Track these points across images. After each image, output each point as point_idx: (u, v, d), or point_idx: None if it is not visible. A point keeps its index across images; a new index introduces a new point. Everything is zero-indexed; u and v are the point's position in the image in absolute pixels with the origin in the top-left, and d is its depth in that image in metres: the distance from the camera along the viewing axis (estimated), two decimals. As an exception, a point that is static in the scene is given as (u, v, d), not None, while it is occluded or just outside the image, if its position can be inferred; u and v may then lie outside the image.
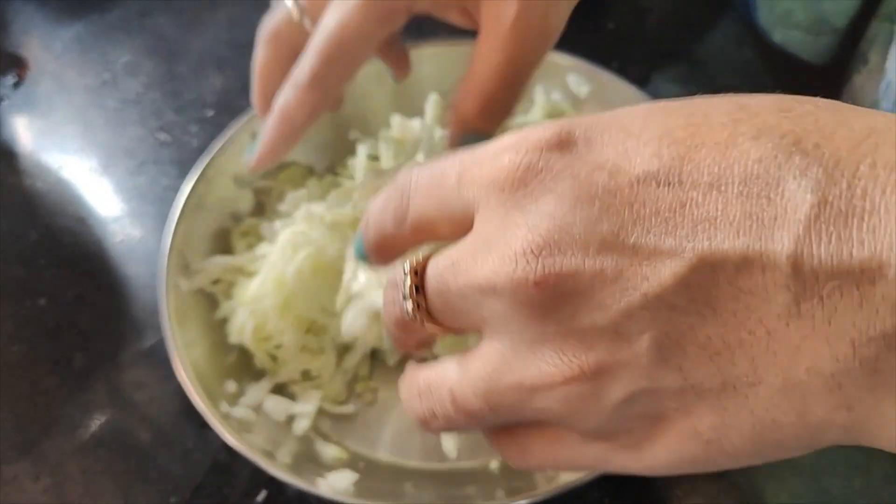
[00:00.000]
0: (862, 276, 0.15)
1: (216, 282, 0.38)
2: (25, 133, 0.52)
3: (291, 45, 0.35)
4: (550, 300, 0.18)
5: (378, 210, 0.24)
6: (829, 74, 0.51)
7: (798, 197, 0.16)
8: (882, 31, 0.46)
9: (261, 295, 0.36)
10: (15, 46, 0.56)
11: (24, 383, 0.40)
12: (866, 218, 0.15)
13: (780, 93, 0.18)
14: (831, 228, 0.15)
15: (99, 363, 0.41)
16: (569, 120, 0.19)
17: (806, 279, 0.16)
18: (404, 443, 0.36)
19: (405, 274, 0.22)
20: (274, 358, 0.37)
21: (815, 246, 0.15)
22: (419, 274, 0.22)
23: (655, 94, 0.49)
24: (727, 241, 0.16)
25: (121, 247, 0.46)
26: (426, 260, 0.22)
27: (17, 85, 0.54)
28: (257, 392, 0.36)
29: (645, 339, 0.17)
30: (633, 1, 0.54)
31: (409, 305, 0.22)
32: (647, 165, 0.17)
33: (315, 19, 0.34)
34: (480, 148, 0.21)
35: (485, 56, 0.31)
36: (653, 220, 0.17)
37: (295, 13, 0.35)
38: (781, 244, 0.16)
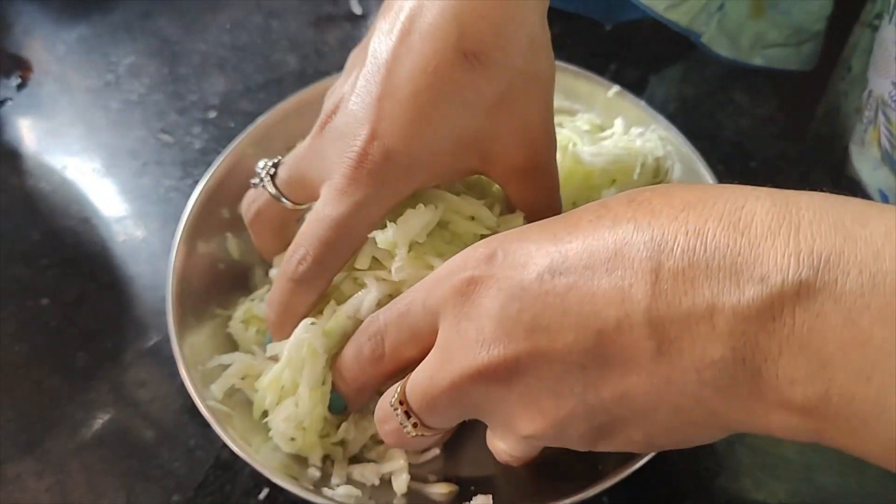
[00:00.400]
0: (691, 321, 0.21)
1: (244, 377, 0.36)
2: (29, 134, 0.52)
3: (274, 221, 0.37)
4: (508, 375, 0.25)
5: (350, 361, 0.31)
6: (810, 80, 0.51)
7: (641, 266, 0.22)
8: (864, 39, 0.46)
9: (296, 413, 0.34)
10: (18, 48, 0.57)
11: (27, 383, 0.41)
12: (686, 273, 0.21)
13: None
14: (666, 287, 0.22)
15: (101, 362, 0.41)
16: (492, 239, 0.27)
17: (659, 329, 0.22)
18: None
19: (393, 407, 0.28)
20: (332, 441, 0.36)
21: (658, 302, 0.22)
22: (404, 402, 0.28)
23: (652, 96, 0.50)
24: (605, 312, 0.23)
25: (123, 247, 0.46)
26: (404, 389, 0.28)
27: (20, 86, 0.54)
28: (342, 470, 0.34)
29: (576, 394, 0.24)
30: (632, 4, 0.54)
31: (409, 428, 0.28)
32: (542, 263, 0.24)
33: (292, 198, 0.35)
34: (435, 273, 0.28)
35: (528, 201, 0.34)
36: (554, 305, 0.23)
37: (274, 192, 0.35)
38: (638, 305, 0.22)
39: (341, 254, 0.32)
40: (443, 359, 0.26)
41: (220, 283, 0.40)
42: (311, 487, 0.33)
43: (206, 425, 0.33)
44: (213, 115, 0.52)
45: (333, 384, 0.33)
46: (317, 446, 0.34)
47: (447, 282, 0.26)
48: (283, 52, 0.55)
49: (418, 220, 0.32)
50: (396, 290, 0.32)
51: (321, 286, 0.33)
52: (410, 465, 0.35)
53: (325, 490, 0.33)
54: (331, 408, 0.33)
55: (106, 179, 0.49)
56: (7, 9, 0.59)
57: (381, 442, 0.36)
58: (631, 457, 0.31)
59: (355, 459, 0.35)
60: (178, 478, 0.37)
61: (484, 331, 0.25)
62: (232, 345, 0.38)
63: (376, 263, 0.33)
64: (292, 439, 0.34)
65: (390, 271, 0.32)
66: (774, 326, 0.20)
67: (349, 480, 0.34)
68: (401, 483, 0.34)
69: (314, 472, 0.34)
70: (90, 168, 0.50)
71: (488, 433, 0.30)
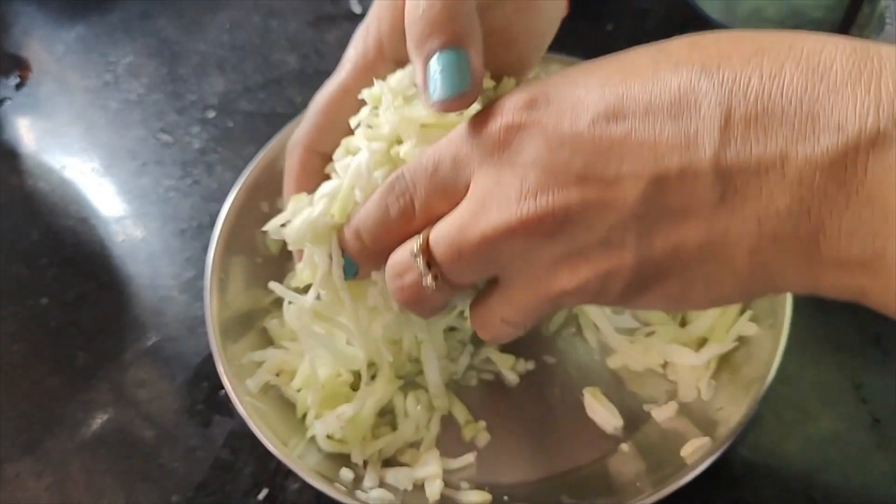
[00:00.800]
0: (760, 169, 0.20)
1: (279, 374, 0.37)
2: (28, 134, 0.52)
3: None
4: (554, 227, 0.23)
5: (374, 222, 0.28)
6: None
7: (710, 111, 0.21)
8: (872, 24, 0.46)
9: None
10: (17, 48, 0.57)
11: (27, 382, 0.40)
12: (759, 120, 0.20)
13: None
14: (736, 133, 0.20)
15: (101, 362, 0.41)
16: (531, 86, 0.24)
17: (725, 177, 0.21)
18: (534, 459, 0.36)
19: (415, 255, 0.26)
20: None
21: (727, 150, 0.21)
22: (426, 252, 0.26)
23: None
24: (667, 158, 0.21)
25: (123, 247, 0.46)
26: (427, 238, 0.26)
27: (19, 86, 0.54)
28: (375, 473, 0.34)
29: (628, 244, 0.22)
30: (632, 2, 0.54)
31: (429, 281, 0.26)
32: (596, 107, 0.22)
33: None
34: (463, 125, 0.25)
35: None
36: (610, 151, 0.22)
37: None
38: (704, 153, 0.21)
39: (327, 122, 0.33)
40: (477, 209, 0.24)
41: (257, 278, 0.40)
42: (344, 489, 0.32)
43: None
44: (212, 114, 0.52)
45: (344, 249, 0.30)
46: (358, 442, 0.34)
47: (480, 132, 0.24)
48: (282, 51, 0.55)
49: (407, 74, 0.30)
50: (392, 151, 0.30)
51: (309, 155, 0.33)
52: (444, 472, 0.34)
53: (359, 493, 0.33)
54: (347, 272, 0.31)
55: (105, 179, 0.49)
56: (6, 9, 0.59)
57: (414, 445, 0.36)
58: (670, 476, 0.32)
59: (388, 463, 0.35)
60: (177, 478, 0.37)
61: (528, 179, 0.23)
62: (268, 340, 0.38)
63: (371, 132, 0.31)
64: (337, 440, 0.34)
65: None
66: (845, 177, 0.20)
67: (382, 484, 0.34)
68: (434, 489, 0.34)
69: (347, 474, 0.34)
70: (89, 168, 0.50)
71: (482, 301, 0.28)
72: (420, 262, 0.26)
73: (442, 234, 0.25)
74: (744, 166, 0.21)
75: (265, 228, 0.33)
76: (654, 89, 0.22)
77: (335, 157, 0.32)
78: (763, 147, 0.20)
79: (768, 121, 0.20)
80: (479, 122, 0.25)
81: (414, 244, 0.26)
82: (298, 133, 0.33)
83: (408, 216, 0.27)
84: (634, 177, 0.22)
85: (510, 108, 0.24)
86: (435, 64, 0.25)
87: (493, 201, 0.24)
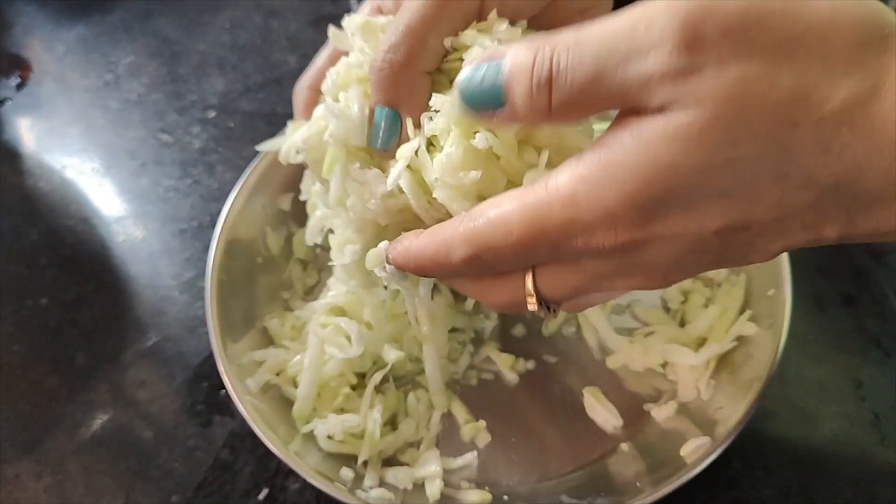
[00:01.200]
0: (878, 230, 0.22)
1: (279, 373, 0.37)
2: (28, 134, 0.52)
3: None
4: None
5: (457, 276, 0.28)
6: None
7: (837, 219, 0.22)
8: None
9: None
10: (18, 48, 0.57)
11: (26, 382, 0.40)
12: (881, 215, 0.22)
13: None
14: (859, 223, 0.22)
15: (100, 362, 0.41)
16: (634, 187, 0.22)
17: (845, 238, 0.23)
18: (534, 459, 0.36)
19: (533, 307, 0.27)
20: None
21: (850, 231, 0.23)
22: (542, 303, 0.27)
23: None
24: (793, 242, 0.23)
25: (123, 247, 0.46)
26: (537, 290, 0.27)
27: (20, 86, 0.54)
28: (375, 472, 0.35)
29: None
30: (634, 2, 0.54)
31: (550, 315, 0.27)
32: (721, 221, 0.23)
33: None
34: (554, 207, 0.24)
35: None
36: (740, 253, 0.24)
37: None
38: (830, 236, 0.23)
39: (337, 55, 0.34)
40: (596, 282, 0.26)
41: (257, 278, 0.40)
42: (345, 488, 0.33)
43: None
44: (212, 114, 0.52)
45: (399, 266, 0.29)
46: (364, 445, 0.35)
47: (588, 229, 0.23)
48: (282, 51, 0.55)
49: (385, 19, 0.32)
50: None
51: (321, 77, 0.34)
52: (444, 472, 0.35)
53: (359, 492, 0.33)
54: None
55: (105, 179, 0.49)
56: (7, 9, 0.59)
57: (414, 445, 0.36)
58: (670, 475, 0.32)
59: (388, 462, 0.35)
60: (177, 478, 0.37)
61: (658, 273, 0.25)
62: (268, 340, 0.38)
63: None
64: (337, 440, 0.35)
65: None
66: None
67: (382, 483, 0.34)
68: (434, 489, 0.34)
69: (347, 474, 0.34)
70: (89, 168, 0.50)
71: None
72: (542, 311, 0.27)
73: (557, 293, 0.26)
74: (863, 231, 0.23)
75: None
76: (782, 211, 0.22)
77: (323, 87, 0.33)
78: (885, 222, 0.22)
79: (887, 212, 0.22)
80: (590, 218, 0.23)
81: (529, 302, 0.27)
82: (305, 76, 0.35)
83: (498, 274, 0.27)
84: (763, 257, 0.24)
85: (623, 217, 0.23)
86: (378, 115, 0.30)
87: (615, 280, 0.25)
